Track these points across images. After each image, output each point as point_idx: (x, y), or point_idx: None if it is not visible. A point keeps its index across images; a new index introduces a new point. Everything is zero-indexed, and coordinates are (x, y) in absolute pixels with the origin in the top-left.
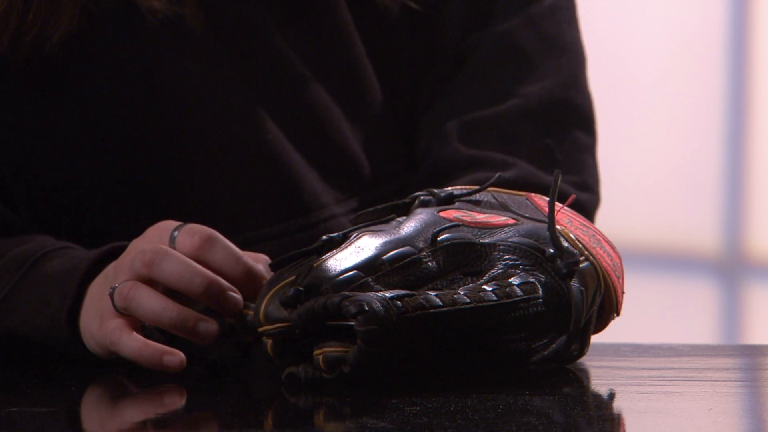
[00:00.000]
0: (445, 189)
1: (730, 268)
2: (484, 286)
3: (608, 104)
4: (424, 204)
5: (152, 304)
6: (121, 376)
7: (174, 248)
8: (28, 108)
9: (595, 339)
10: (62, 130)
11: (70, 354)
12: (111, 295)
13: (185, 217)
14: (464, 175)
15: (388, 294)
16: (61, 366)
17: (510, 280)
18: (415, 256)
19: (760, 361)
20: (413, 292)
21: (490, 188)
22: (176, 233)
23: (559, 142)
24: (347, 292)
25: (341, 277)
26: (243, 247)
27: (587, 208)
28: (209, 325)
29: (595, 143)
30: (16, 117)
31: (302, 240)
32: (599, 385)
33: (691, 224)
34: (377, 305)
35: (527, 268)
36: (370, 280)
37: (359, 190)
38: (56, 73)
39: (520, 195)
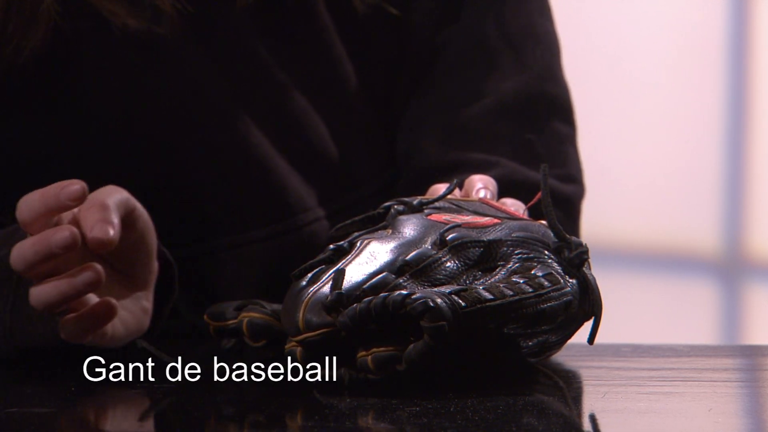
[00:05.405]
0: (415, 197)
1: (730, 269)
2: (513, 279)
3: (608, 104)
4: (399, 213)
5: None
6: (121, 376)
7: None
8: (9, 120)
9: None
10: (47, 141)
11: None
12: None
13: (171, 223)
14: (447, 179)
15: (444, 289)
16: (61, 366)
17: (532, 272)
18: (436, 256)
19: (760, 362)
20: (465, 287)
21: (448, 196)
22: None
23: (539, 135)
24: (402, 292)
25: (375, 279)
26: (229, 251)
27: (573, 199)
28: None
29: (575, 133)
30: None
31: (287, 243)
32: (599, 385)
33: (691, 224)
34: (441, 301)
35: (540, 260)
36: (401, 281)
37: (342, 192)
38: (38, 87)
39: (473, 200)
